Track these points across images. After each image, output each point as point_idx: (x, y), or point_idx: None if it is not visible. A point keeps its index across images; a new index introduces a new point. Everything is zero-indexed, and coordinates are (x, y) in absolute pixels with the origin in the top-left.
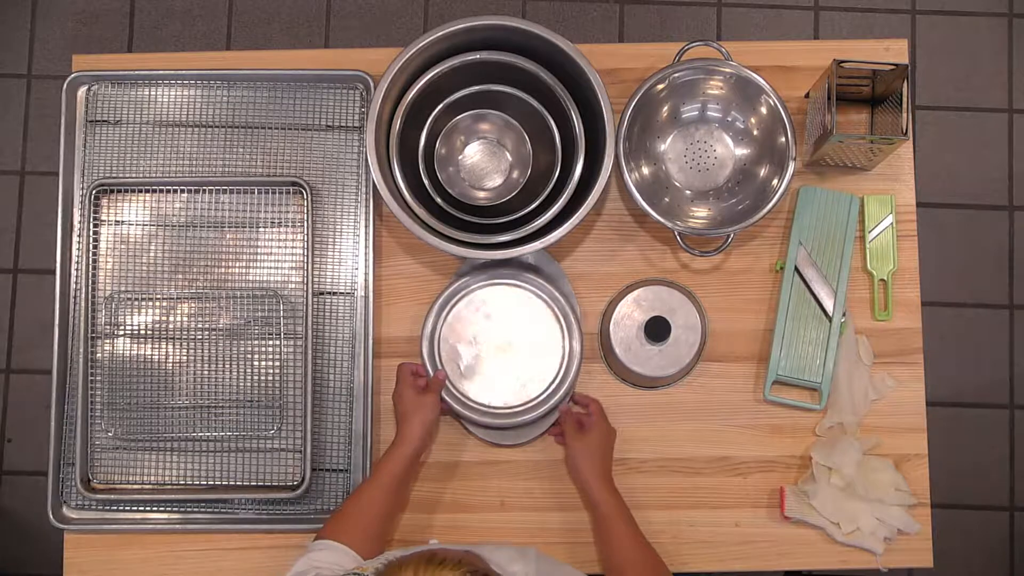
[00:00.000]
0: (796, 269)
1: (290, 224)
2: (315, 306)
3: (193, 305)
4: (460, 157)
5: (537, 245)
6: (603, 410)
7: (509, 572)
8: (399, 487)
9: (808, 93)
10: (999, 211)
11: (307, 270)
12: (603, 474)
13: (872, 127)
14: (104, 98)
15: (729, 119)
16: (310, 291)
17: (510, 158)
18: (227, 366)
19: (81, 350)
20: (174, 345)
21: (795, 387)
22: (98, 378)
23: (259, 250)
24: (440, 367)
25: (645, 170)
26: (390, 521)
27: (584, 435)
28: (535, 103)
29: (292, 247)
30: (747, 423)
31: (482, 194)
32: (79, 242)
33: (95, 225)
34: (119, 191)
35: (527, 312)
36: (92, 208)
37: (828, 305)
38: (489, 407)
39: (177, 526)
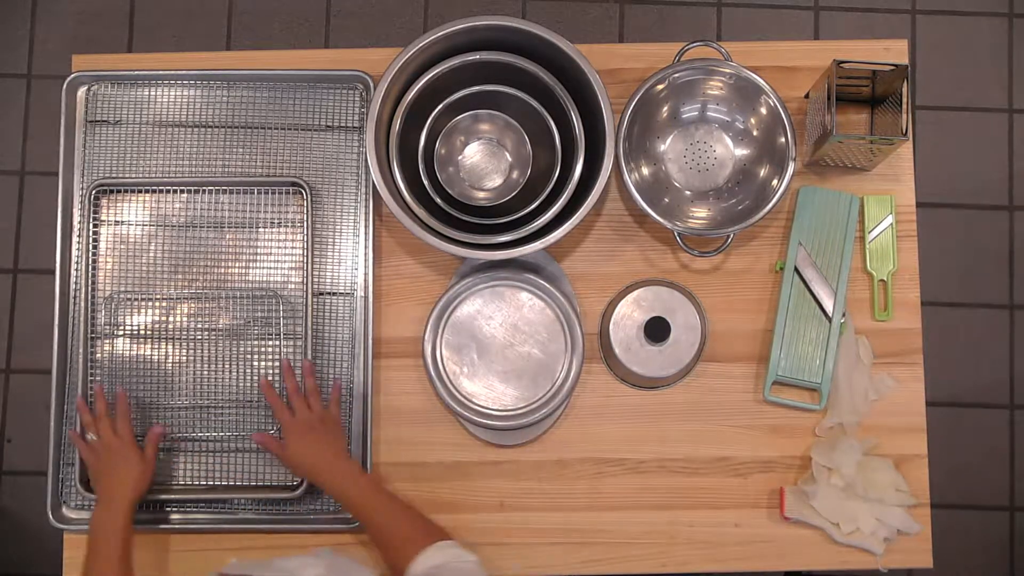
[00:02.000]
0: (796, 269)
1: (290, 224)
2: (315, 306)
3: (193, 305)
4: (460, 157)
5: (537, 245)
6: (296, 407)
7: None
8: (126, 525)
9: (808, 93)
10: (999, 211)
11: (307, 270)
12: (319, 471)
13: (872, 127)
14: (104, 98)
15: (729, 119)
16: (310, 291)
17: (510, 158)
18: (227, 366)
19: (81, 350)
20: (174, 345)
21: (795, 387)
22: (98, 378)
23: (259, 250)
24: (442, 370)
25: (645, 170)
26: None
27: (283, 448)
28: (535, 103)
29: (292, 247)
30: (747, 423)
31: (482, 194)
32: (79, 242)
33: (95, 225)
34: (119, 191)
35: (527, 312)
36: (92, 208)
37: (828, 305)
38: (489, 408)
39: (177, 526)
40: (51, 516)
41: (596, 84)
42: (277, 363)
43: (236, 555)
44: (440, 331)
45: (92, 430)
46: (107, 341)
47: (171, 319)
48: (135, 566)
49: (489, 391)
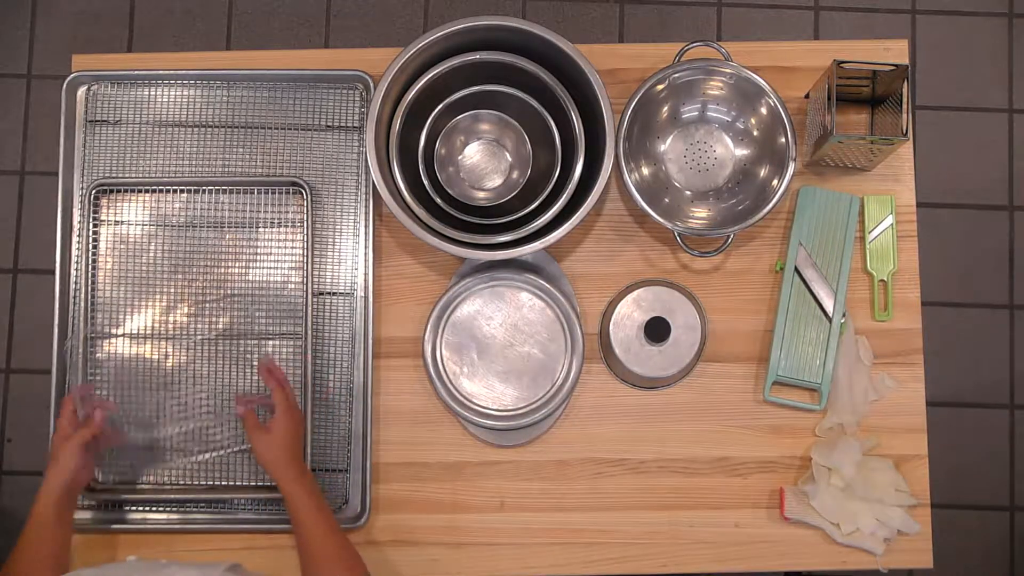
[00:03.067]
0: (796, 269)
1: (290, 224)
2: (315, 306)
3: (193, 305)
4: (460, 157)
5: (537, 245)
6: (289, 394)
7: None
8: (58, 519)
9: (808, 93)
10: (999, 211)
11: (307, 270)
12: (290, 464)
13: (872, 127)
14: (104, 98)
15: (729, 119)
16: (310, 291)
17: (510, 158)
18: (227, 366)
19: (81, 350)
20: (174, 345)
21: (795, 387)
22: (98, 378)
23: (259, 250)
24: (442, 370)
25: (645, 170)
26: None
27: (267, 430)
28: (535, 103)
29: (292, 247)
30: (747, 423)
31: (482, 194)
32: (79, 242)
33: (95, 225)
34: (119, 191)
35: (527, 312)
36: (92, 208)
37: (828, 305)
38: (489, 408)
39: (177, 526)
40: None
41: (596, 84)
42: (277, 363)
43: (237, 555)
44: (440, 331)
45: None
46: (107, 341)
47: (171, 319)
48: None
49: (489, 391)
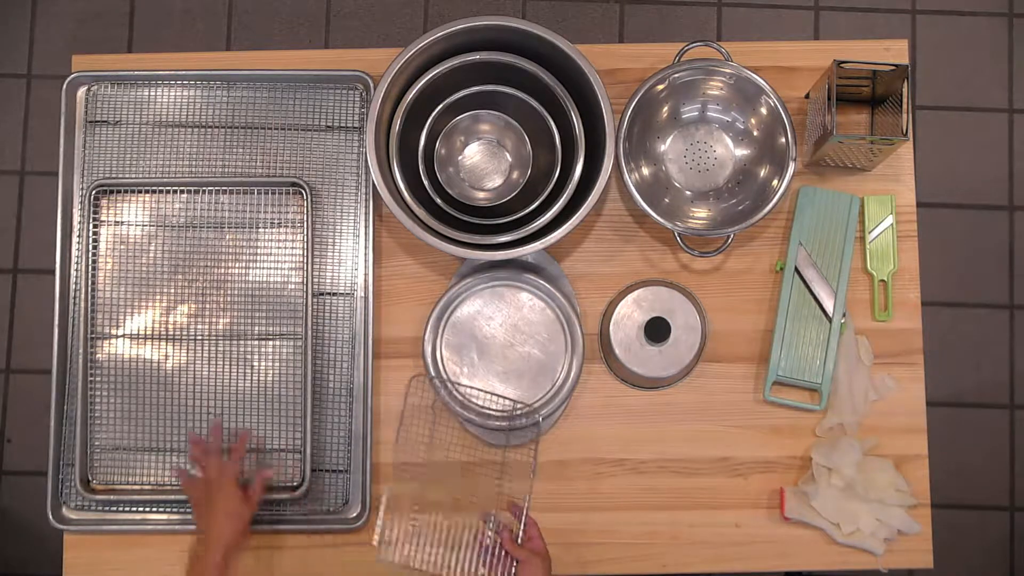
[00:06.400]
0: (796, 269)
1: (290, 224)
2: (315, 306)
3: (193, 306)
4: (460, 157)
5: (537, 246)
6: (540, 532)
7: None
8: None
9: (808, 94)
10: (999, 211)
11: (307, 270)
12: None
13: (872, 127)
14: (104, 98)
15: (729, 119)
16: (310, 291)
17: (510, 158)
18: (227, 367)
19: (81, 350)
20: (174, 345)
21: (795, 388)
22: (98, 378)
23: (259, 250)
24: (442, 370)
25: (645, 170)
26: None
27: (543, 559)
28: (535, 103)
29: (292, 247)
30: (747, 424)
31: (482, 194)
32: (79, 242)
33: (95, 225)
34: (119, 191)
35: (527, 313)
36: (92, 208)
37: (828, 305)
38: (490, 408)
39: (177, 526)
40: (51, 516)
41: (596, 84)
42: (277, 363)
43: None
44: (440, 331)
45: (201, 463)
46: (107, 341)
47: (171, 319)
48: None
49: (489, 391)
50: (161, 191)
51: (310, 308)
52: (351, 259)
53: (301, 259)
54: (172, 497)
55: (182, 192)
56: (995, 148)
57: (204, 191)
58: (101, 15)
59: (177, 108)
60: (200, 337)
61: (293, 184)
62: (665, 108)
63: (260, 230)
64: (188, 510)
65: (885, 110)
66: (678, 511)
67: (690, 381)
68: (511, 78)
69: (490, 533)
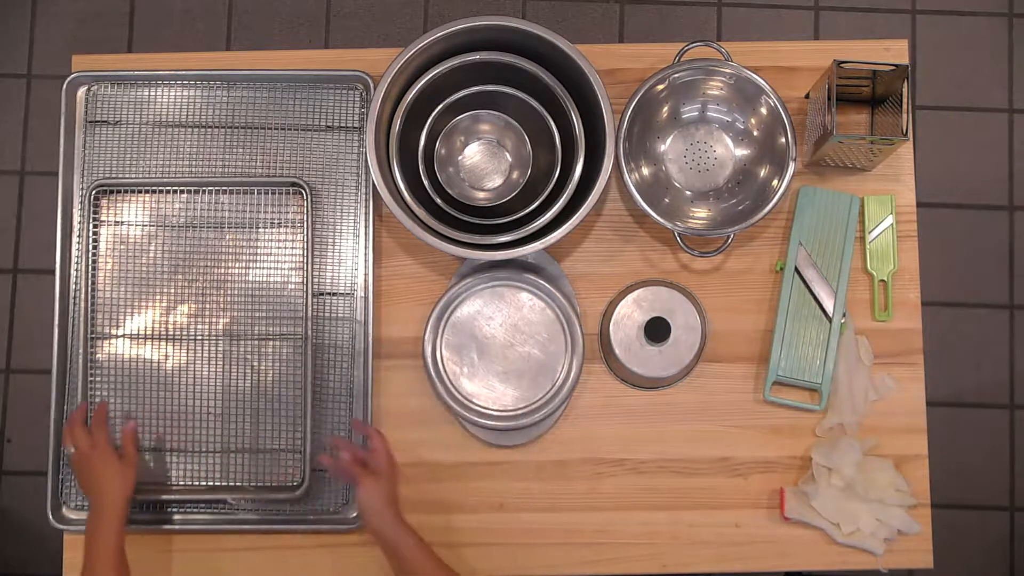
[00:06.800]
0: (796, 269)
1: (290, 224)
2: (315, 306)
3: (193, 305)
4: (460, 157)
5: (537, 246)
6: (386, 440)
7: None
8: (119, 553)
9: (808, 94)
10: (999, 211)
11: (307, 270)
12: (397, 508)
13: (872, 127)
14: (104, 98)
15: (729, 119)
16: (310, 291)
17: (510, 158)
18: (227, 367)
19: (81, 350)
20: (173, 345)
21: (795, 388)
22: (98, 378)
23: (259, 250)
24: (442, 370)
25: (645, 170)
26: None
27: (378, 478)
28: (535, 103)
29: (292, 247)
30: (747, 424)
31: (482, 194)
32: (79, 242)
33: (95, 225)
34: (119, 191)
35: (527, 313)
36: (92, 208)
37: (828, 305)
38: (489, 408)
39: (177, 526)
40: (51, 516)
41: (596, 84)
42: (277, 363)
43: (237, 555)
44: (440, 331)
45: (68, 442)
46: (107, 341)
47: (171, 319)
48: (128, 563)
49: (489, 391)
50: (161, 191)
51: (310, 308)
52: (351, 259)
53: (301, 259)
54: (172, 497)
55: (182, 192)
56: (995, 148)
57: (204, 191)
58: (101, 15)
59: (177, 108)
60: (200, 337)
61: (293, 184)
62: (665, 108)
63: (260, 230)
64: (188, 510)
65: (885, 110)
66: (678, 511)
67: (690, 381)
68: (511, 78)
69: (326, 461)
